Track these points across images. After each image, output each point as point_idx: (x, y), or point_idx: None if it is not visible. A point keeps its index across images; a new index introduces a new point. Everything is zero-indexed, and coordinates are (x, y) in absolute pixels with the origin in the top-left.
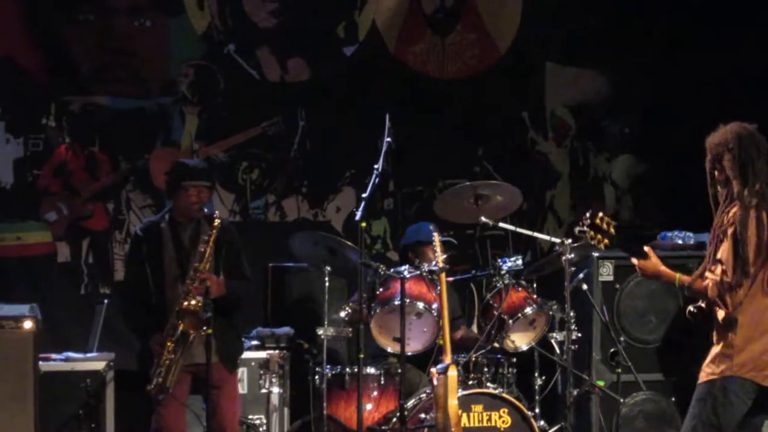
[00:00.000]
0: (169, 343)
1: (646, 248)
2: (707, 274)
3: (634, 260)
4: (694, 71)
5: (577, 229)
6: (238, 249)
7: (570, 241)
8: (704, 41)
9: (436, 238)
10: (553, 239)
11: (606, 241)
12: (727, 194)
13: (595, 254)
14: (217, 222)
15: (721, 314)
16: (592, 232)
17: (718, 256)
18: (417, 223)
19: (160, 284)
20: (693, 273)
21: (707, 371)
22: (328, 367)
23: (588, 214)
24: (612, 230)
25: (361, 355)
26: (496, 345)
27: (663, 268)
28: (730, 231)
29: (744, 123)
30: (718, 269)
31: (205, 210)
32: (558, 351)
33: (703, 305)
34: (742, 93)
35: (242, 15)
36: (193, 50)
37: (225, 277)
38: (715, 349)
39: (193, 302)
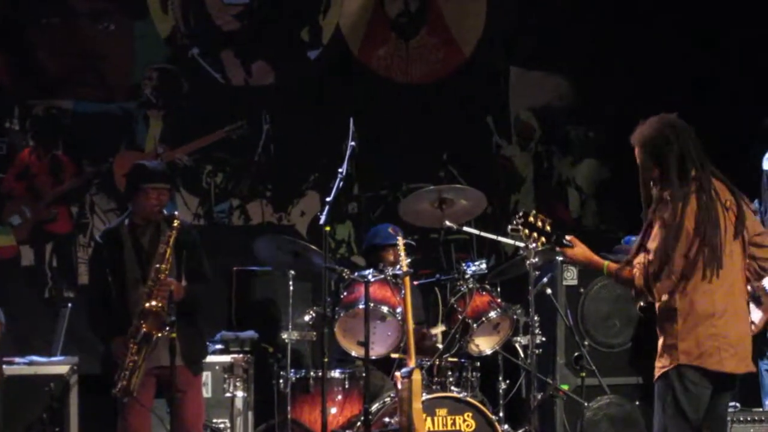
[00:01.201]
0: (132, 345)
1: (568, 237)
2: (635, 262)
3: (561, 250)
4: (659, 76)
5: (509, 228)
6: (199, 250)
7: (534, 245)
8: (669, 46)
9: (400, 241)
10: (518, 243)
11: (543, 239)
12: (663, 186)
13: (560, 258)
14: (176, 223)
15: (661, 305)
16: (526, 231)
17: (648, 245)
18: (376, 226)
19: (121, 287)
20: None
21: (659, 366)
22: (293, 371)
23: (521, 213)
24: (548, 228)
25: (326, 359)
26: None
27: (592, 255)
28: (658, 222)
29: (669, 115)
30: (641, 258)
31: (165, 212)
32: (522, 355)
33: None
34: (705, 97)
35: (206, 18)
36: (157, 54)
37: (186, 278)
38: (661, 342)
39: (154, 303)
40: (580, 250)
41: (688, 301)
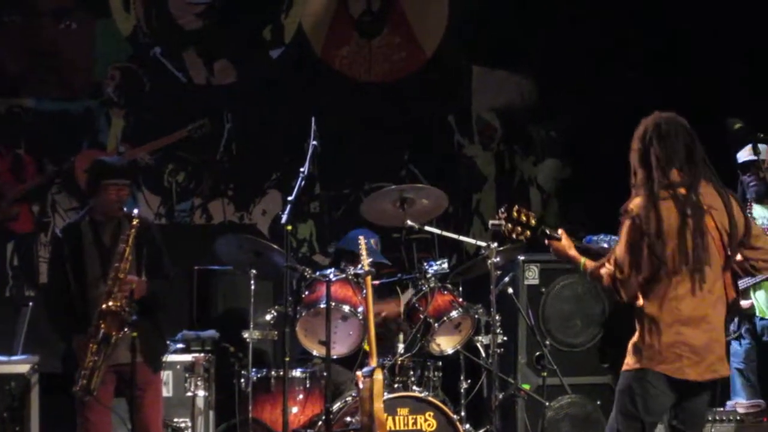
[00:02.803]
0: (92, 345)
1: (560, 231)
2: (606, 263)
3: (549, 242)
4: (620, 77)
5: (491, 222)
6: (159, 247)
7: (496, 244)
8: (630, 47)
9: (362, 241)
10: (479, 243)
11: (527, 233)
12: (638, 183)
13: (521, 258)
14: (135, 221)
15: (636, 305)
16: (509, 225)
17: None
18: (356, 230)
19: (81, 285)
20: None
21: (627, 361)
22: (254, 370)
23: (504, 207)
24: (533, 221)
25: (287, 358)
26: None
27: (573, 251)
28: (626, 225)
29: (663, 113)
30: (611, 260)
31: (125, 209)
32: (483, 354)
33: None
34: (666, 99)
35: (168, 17)
36: (119, 52)
37: (146, 276)
38: (633, 340)
39: (113, 303)
40: (566, 244)
41: (656, 307)
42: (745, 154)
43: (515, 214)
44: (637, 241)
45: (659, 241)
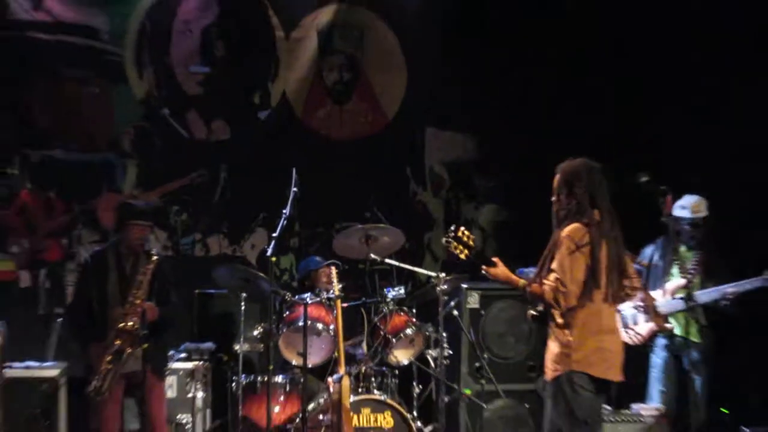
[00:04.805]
0: (107, 356)
1: (494, 259)
2: (545, 280)
3: (485, 268)
4: (551, 134)
5: (443, 240)
6: (169, 280)
7: (443, 274)
8: (556, 109)
9: (333, 271)
10: (430, 273)
11: (466, 251)
12: (566, 214)
13: (465, 285)
14: (155, 258)
15: (558, 318)
16: (455, 243)
17: (553, 266)
18: (306, 259)
19: (103, 304)
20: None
21: (551, 368)
22: (243, 375)
23: (452, 228)
24: (471, 242)
25: (270, 367)
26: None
27: (510, 274)
28: (566, 246)
29: (592, 161)
30: (552, 276)
31: (146, 246)
32: (433, 365)
33: (542, 308)
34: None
35: (175, 84)
36: (133, 113)
37: (156, 302)
38: (555, 348)
39: (130, 323)
40: (501, 270)
41: (582, 318)
42: (686, 213)
43: (460, 233)
44: (576, 258)
45: (592, 260)
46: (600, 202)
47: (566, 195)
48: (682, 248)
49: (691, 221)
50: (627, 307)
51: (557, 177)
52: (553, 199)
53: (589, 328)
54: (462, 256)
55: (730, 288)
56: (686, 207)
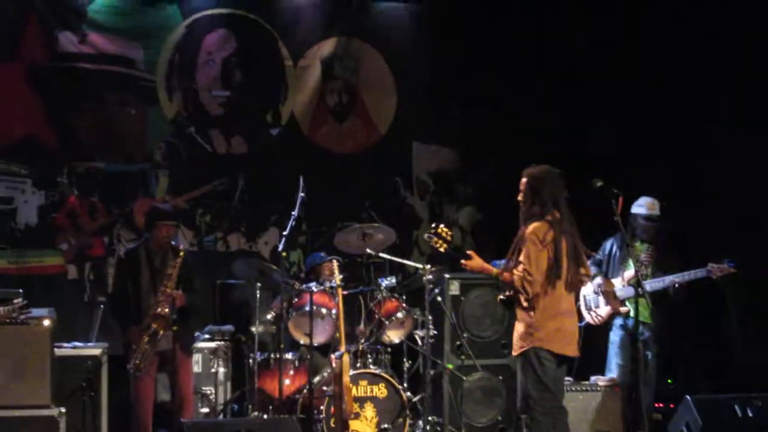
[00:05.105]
0: (145, 337)
1: (470, 252)
2: (514, 270)
3: (463, 261)
4: (520, 151)
5: (426, 235)
6: (192, 272)
7: (429, 266)
8: (527, 127)
9: (335, 264)
10: (417, 265)
11: (445, 245)
12: (531, 213)
13: (447, 276)
14: (182, 253)
15: (524, 302)
16: (435, 238)
17: (521, 258)
18: (312, 254)
19: (137, 295)
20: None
21: (518, 345)
22: (258, 353)
23: (434, 225)
24: (450, 238)
25: (282, 345)
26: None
27: (485, 265)
28: (531, 241)
29: (554, 168)
30: (520, 267)
31: (173, 242)
32: (420, 343)
33: (510, 293)
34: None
35: (199, 105)
36: (164, 130)
37: (183, 290)
38: (521, 328)
39: (164, 309)
40: (476, 262)
41: (544, 302)
42: (642, 210)
43: (440, 230)
44: (540, 251)
45: (554, 253)
46: (560, 203)
47: (531, 197)
48: (637, 243)
49: (646, 217)
50: (590, 292)
51: (524, 180)
52: (519, 198)
53: (550, 311)
54: (441, 249)
55: (677, 278)
56: (642, 205)
